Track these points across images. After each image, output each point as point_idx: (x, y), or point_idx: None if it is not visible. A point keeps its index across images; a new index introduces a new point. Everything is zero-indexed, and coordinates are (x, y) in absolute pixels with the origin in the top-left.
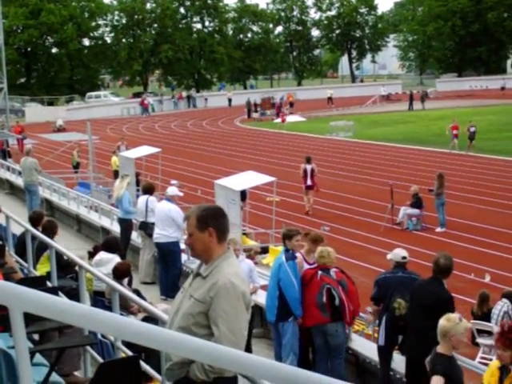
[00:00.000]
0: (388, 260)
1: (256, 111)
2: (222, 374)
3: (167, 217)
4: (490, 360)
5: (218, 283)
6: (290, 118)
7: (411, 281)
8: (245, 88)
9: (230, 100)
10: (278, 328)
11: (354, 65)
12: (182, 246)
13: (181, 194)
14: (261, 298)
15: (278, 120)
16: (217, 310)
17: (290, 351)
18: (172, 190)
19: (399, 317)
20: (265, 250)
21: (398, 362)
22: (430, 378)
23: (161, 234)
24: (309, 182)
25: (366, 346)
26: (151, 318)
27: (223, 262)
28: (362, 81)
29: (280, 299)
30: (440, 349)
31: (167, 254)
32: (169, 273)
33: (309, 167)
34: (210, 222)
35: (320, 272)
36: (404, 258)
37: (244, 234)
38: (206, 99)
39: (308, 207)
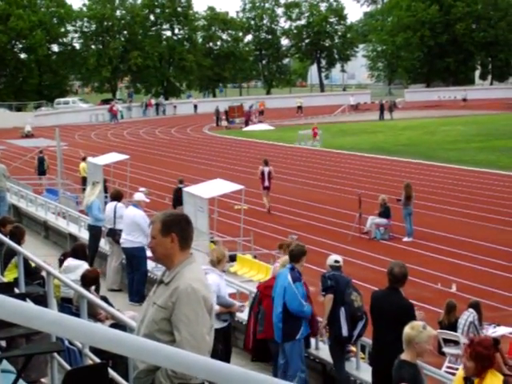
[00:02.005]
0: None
1: (227, 119)
2: (186, 380)
3: (133, 222)
4: (456, 369)
5: (179, 288)
6: (259, 127)
7: (350, 281)
8: (214, 96)
9: (195, 106)
10: (283, 348)
11: (323, 74)
12: (149, 252)
13: (147, 201)
14: None
15: (247, 128)
16: (178, 315)
17: (297, 370)
18: (138, 196)
19: (358, 308)
20: (232, 258)
21: (365, 371)
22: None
23: (126, 239)
24: (266, 184)
25: (327, 351)
26: (119, 325)
27: (185, 267)
28: (322, 90)
29: (284, 320)
30: (405, 356)
31: (132, 259)
32: (134, 278)
33: (266, 169)
34: (173, 227)
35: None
36: (337, 261)
37: (212, 241)
38: (174, 107)
39: (268, 206)
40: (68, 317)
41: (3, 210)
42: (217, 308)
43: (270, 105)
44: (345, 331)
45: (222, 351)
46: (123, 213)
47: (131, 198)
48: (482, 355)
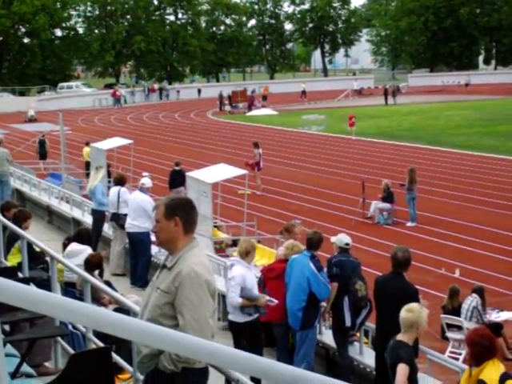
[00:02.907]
0: (331, 243)
1: (230, 104)
2: (190, 363)
3: (139, 207)
4: (460, 354)
5: (182, 273)
6: (262, 111)
7: (356, 264)
8: (217, 81)
9: (199, 90)
10: (296, 334)
11: (326, 59)
12: (153, 237)
13: (151, 185)
14: None
15: (251, 113)
16: (181, 299)
17: (305, 358)
18: (148, 182)
19: (362, 297)
20: (236, 243)
21: (368, 356)
22: (392, 366)
23: (132, 224)
24: (261, 165)
25: (330, 336)
26: (122, 310)
27: (188, 252)
28: (326, 75)
29: (306, 309)
30: (402, 337)
31: (137, 244)
32: (138, 262)
33: (260, 151)
34: (177, 211)
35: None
36: (347, 244)
37: (215, 226)
38: (178, 91)
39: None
40: (72, 300)
41: (6, 194)
42: (240, 301)
43: (274, 90)
44: (348, 321)
45: (246, 346)
46: (126, 197)
47: (135, 183)
48: (475, 343)
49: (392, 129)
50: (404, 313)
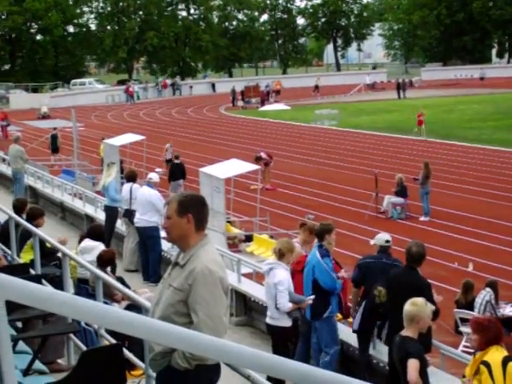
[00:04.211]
0: (372, 245)
1: (243, 99)
2: (203, 361)
3: (147, 202)
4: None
5: (196, 270)
6: (275, 106)
7: (393, 268)
8: (230, 76)
9: (213, 85)
10: (314, 326)
11: (339, 53)
12: (163, 232)
13: (158, 180)
14: (245, 285)
15: (264, 108)
16: (195, 297)
17: (332, 344)
18: (155, 176)
19: (379, 304)
20: (249, 238)
21: (382, 350)
22: (400, 361)
23: (141, 219)
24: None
25: (349, 334)
26: (135, 306)
27: (200, 249)
28: (338, 69)
29: (314, 298)
30: (406, 333)
31: (147, 239)
32: (149, 258)
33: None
34: (190, 208)
35: None
36: (387, 241)
37: (228, 222)
38: (190, 87)
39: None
40: (80, 298)
41: (20, 192)
42: (290, 306)
43: (286, 84)
44: (355, 325)
45: (292, 350)
46: (138, 193)
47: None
48: (484, 326)
49: (405, 123)
50: (407, 306)
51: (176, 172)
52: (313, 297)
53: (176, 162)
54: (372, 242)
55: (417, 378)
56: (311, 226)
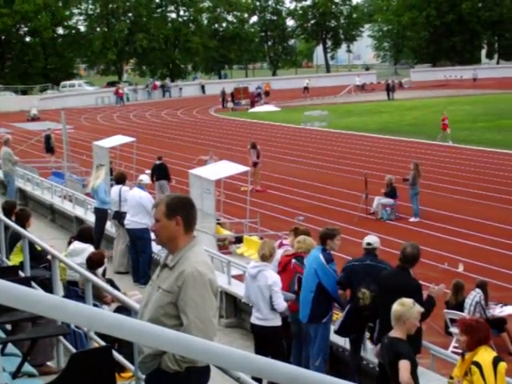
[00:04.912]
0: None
1: (232, 101)
2: (194, 363)
3: (138, 203)
4: None
5: (185, 272)
6: (265, 108)
7: (378, 270)
8: (219, 78)
9: (203, 87)
10: (308, 329)
11: (328, 55)
12: (153, 235)
13: (149, 182)
14: (235, 287)
15: (253, 109)
16: (185, 299)
17: (320, 353)
18: (146, 178)
19: (363, 307)
20: (239, 240)
21: (371, 352)
22: (390, 363)
23: (131, 221)
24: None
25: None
26: (125, 308)
27: (189, 251)
28: (328, 70)
29: (315, 301)
30: (395, 334)
31: (137, 240)
32: (139, 259)
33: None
34: (178, 210)
35: (294, 260)
36: (368, 244)
37: (218, 223)
38: (180, 89)
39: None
40: (69, 301)
41: (10, 195)
42: (286, 305)
43: (276, 86)
44: (336, 325)
45: (283, 349)
46: (127, 195)
47: (136, 181)
48: (473, 327)
49: (395, 124)
50: (395, 306)
51: (158, 173)
52: (294, 296)
53: (158, 162)
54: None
55: (409, 379)
56: (304, 231)
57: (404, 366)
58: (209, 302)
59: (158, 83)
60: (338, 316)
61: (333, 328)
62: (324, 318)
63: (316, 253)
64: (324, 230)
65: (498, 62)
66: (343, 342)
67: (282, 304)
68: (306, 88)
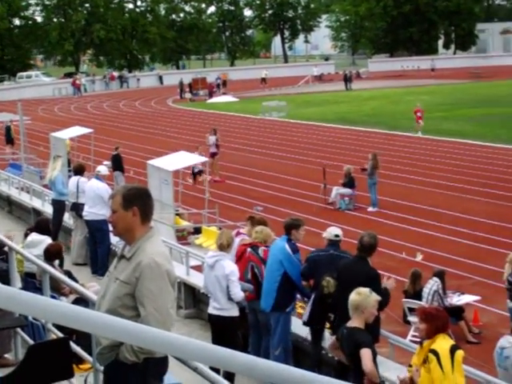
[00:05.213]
0: (323, 238)
1: (190, 92)
2: (152, 354)
3: (96, 195)
4: None
5: (142, 263)
6: (223, 98)
7: (342, 259)
8: (177, 68)
9: (161, 78)
10: (269, 319)
11: (286, 45)
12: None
13: (107, 173)
14: (194, 278)
15: (212, 100)
16: (142, 290)
17: (281, 343)
18: (103, 169)
19: (328, 295)
20: (198, 231)
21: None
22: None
23: (89, 212)
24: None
25: (298, 325)
26: (82, 300)
27: (146, 241)
28: (286, 61)
29: (279, 291)
30: (353, 323)
31: (95, 232)
32: (98, 251)
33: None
34: (135, 201)
35: (249, 249)
36: (337, 236)
37: (177, 214)
38: (138, 79)
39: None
40: (26, 293)
41: None
42: (243, 295)
43: (234, 76)
44: (305, 317)
45: (239, 339)
46: (85, 187)
47: (94, 172)
48: (432, 315)
49: (353, 114)
50: (352, 295)
51: (113, 163)
52: (252, 286)
53: (114, 153)
54: (323, 234)
55: (372, 367)
56: (260, 220)
57: (366, 354)
58: (166, 292)
59: (116, 74)
60: (300, 307)
61: (301, 321)
62: (287, 307)
63: (281, 243)
64: (289, 220)
65: (454, 53)
66: (304, 333)
67: (239, 294)
68: (263, 79)
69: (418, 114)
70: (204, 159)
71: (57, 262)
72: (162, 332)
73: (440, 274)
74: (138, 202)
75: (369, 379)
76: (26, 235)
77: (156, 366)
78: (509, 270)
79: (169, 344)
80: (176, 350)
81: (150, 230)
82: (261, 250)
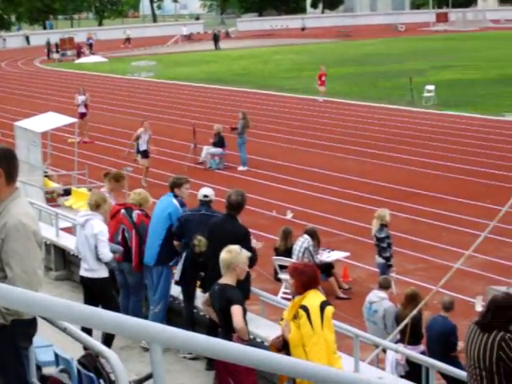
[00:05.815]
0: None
1: (57, 52)
2: (19, 316)
3: None
4: None
5: (8, 224)
6: (91, 59)
7: (212, 219)
8: (44, 28)
9: (27, 38)
10: (151, 273)
11: (155, 4)
12: None
13: None
14: (64, 240)
15: (80, 60)
16: (8, 252)
17: (162, 298)
18: None
19: (199, 253)
20: (67, 192)
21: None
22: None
23: None
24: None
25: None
26: None
27: (11, 203)
28: (155, 20)
29: (164, 244)
30: (225, 280)
31: None
32: None
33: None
34: (0, 162)
35: (123, 211)
36: (206, 196)
37: (46, 176)
38: (4, 40)
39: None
40: None
41: None
42: (111, 255)
43: (102, 36)
44: (176, 276)
45: (114, 300)
46: None
47: None
48: (300, 270)
49: (223, 73)
50: (223, 253)
51: None
52: (122, 248)
53: None
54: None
55: (242, 323)
56: (116, 175)
57: (237, 311)
58: (33, 253)
59: None
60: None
61: (173, 280)
62: (170, 261)
63: (169, 198)
64: (172, 178)
65: (322, 12)
66: (176, 292)
67: (107, 254)
68: (127, 39)
69: (323, 79)
70: (72, 120)
71: None
72: (27, 292)
73: (311, 232)
74: (2, 162)
75: (238, 336)
76: None
77: (24, 327)
78: (376, 226)
79: (34, 303)
80: (41, 309)
81: (16, 191)
82: (135, 214)
